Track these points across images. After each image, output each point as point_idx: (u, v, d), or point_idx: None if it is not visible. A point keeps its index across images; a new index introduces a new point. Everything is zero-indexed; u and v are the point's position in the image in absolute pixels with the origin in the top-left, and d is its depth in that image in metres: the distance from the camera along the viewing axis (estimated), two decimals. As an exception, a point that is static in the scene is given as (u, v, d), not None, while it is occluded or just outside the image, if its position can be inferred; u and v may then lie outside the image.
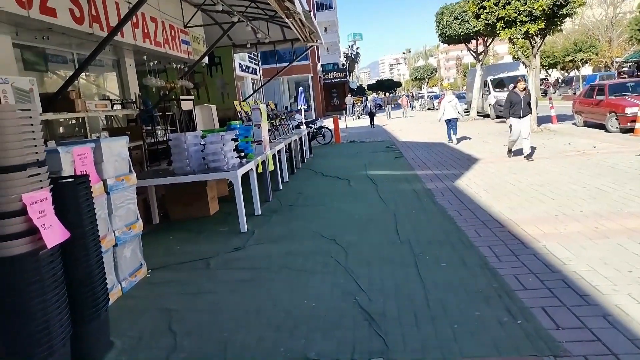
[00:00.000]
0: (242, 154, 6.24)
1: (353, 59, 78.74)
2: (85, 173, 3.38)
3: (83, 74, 7.66)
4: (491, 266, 3.95)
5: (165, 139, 8.68)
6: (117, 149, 4.13)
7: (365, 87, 79.55)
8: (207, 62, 12.93)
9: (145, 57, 9.51)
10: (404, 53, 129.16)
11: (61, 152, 3.24)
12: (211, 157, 5.70)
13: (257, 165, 6.63)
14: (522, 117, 9.28)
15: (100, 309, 3.00)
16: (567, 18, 14.09)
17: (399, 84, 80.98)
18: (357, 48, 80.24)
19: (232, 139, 5.91)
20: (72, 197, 2.82)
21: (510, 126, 9.51)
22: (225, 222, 6.29)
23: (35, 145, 2.41)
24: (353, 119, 33.87)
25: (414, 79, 63.50)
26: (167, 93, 9.77)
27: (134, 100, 8.75)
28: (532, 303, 3.23)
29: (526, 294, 3.37)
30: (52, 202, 2.51)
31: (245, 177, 6.20)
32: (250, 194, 6.43)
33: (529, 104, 9.43)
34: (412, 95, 46.29)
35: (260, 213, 6.47)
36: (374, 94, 63.25)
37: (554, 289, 3.41)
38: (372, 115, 24.75)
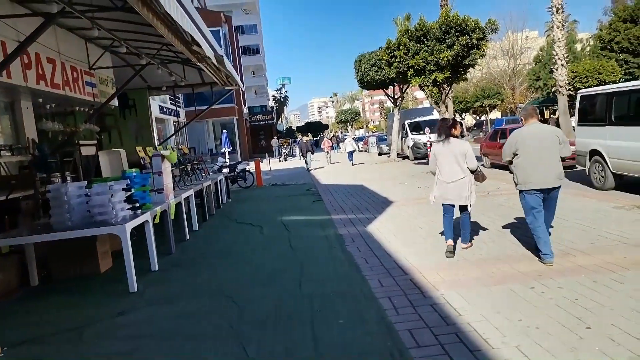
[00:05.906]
0: (137, 204, 5.76)
1: (282, 102, 79.92)
2: None
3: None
4: (388, 321, 3.79)
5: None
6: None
7: (295, 129, 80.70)
8: (118, 105, 12.28)
9: (40, 100, 8.80)
10: (331, 97, 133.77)
11: None
12: (97, 210, 5.17)
13: (155, 215, 6.15)
14: None
15: None
16: (470, 68, 15.22)
17: (326, 126, 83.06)
18: (286, 91, 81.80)
19: (124, 189, 5.43)
20: None
21: None
22: (117, 281, 5.65)
23: None
24: (280, 161, 33.93)
25: (339, 122, 65.57)
26: (67, 138, 9.05)
27: (27, 145, 7.98)
28: (423, 363, 3.08)
29: (419, 352, 3.22)
30: None
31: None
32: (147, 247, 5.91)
33: None
34: (337, 137, 47.39)
35: (157, 268, 5.93)
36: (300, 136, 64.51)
37: (447, 345, 3.30)
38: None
